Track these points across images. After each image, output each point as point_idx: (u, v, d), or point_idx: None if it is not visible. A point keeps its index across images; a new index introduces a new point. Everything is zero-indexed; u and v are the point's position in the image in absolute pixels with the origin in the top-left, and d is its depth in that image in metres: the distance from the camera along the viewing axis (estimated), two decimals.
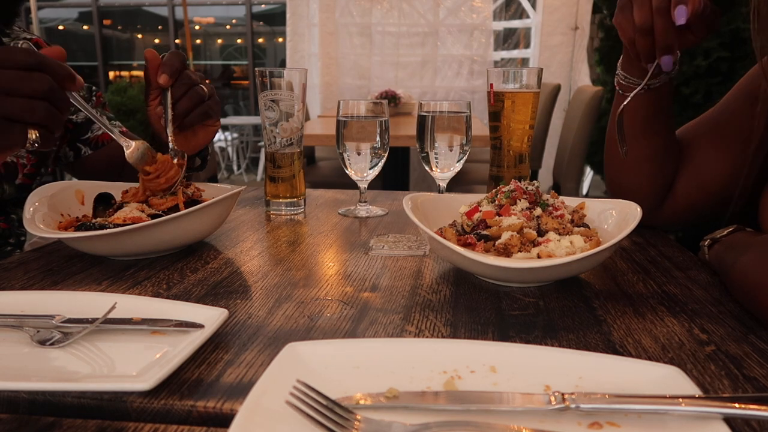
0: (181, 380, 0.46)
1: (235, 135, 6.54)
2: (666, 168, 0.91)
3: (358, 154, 1.03)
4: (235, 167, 6.52)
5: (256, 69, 1.01)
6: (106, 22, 8.23)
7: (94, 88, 1.20)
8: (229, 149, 6.53)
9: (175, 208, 0.79)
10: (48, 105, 0.63)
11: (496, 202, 0.75)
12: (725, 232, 0.74)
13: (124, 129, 1.06)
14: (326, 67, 5.02)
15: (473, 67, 4.95)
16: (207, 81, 0.94)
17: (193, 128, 0.94)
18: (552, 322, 0.58)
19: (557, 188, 3.08)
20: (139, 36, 8.89)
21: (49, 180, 1.11)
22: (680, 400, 0.37)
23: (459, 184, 3.03)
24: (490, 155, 1.06)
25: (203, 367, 0.48)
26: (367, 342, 0.47)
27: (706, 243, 0.76)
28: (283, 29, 5.37)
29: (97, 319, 0.51)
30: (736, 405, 0.36)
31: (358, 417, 0.37)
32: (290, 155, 1.06)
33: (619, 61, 0.88)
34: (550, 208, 0.74)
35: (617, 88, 0.88)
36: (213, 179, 3.83)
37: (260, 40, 8.51)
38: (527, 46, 5.16)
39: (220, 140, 6.29)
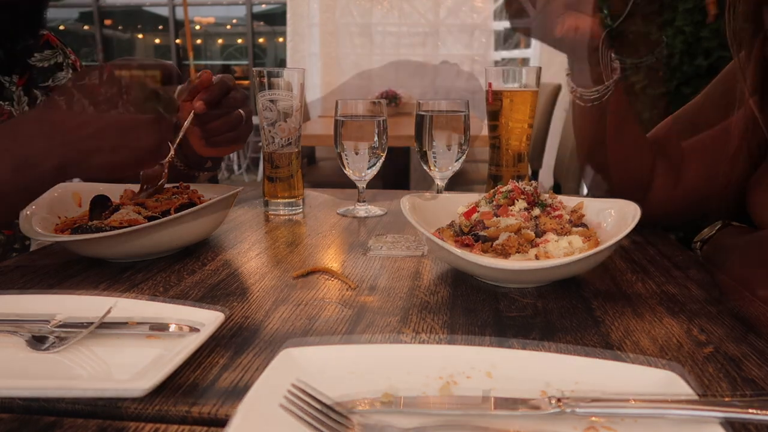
0: (176, 385, 0.45)
1: None
2: (641, 167, 0.91)
3: (356, 153, 1.02)
4: (235, 167, 6.52)
5: (254, 69, 1.01)
6: (107, 22, 8.22)
7: (69, 50, 1.16)
8: None
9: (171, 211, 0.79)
10: None
11: (494, 203, 0.74)
12: (713, 231, 0.73)
13: None
14: (327, 67, 5.02)
15: (474, 67, 4.95)
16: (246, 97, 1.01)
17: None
18: (550, 324, 0.58)
19: (557, 188, 3.07)
20: (140, 36, 8.89)
21: None
22: (677, 403, 0.37)
23: (459, 183, 3.02)
24: (489, 154, 1.06)
25: (199, 371, 0.48)
26: (362, 347, 0.47)
27: (697, 245, 0.75)
28: (284, 29, 5.36)
29: (93, 322, 0.51)
30: (734, 408, 0.36)
31: (353, 421, 0.37)
32: (288, 155, 1.06)
33: (571, 80, 0.90)
34: (549, 208, 0.73)
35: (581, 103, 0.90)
36: (213, 179, 3.82)
37: (261, 40, 8.51)
38: (528, 45, 5.14)
39: None
